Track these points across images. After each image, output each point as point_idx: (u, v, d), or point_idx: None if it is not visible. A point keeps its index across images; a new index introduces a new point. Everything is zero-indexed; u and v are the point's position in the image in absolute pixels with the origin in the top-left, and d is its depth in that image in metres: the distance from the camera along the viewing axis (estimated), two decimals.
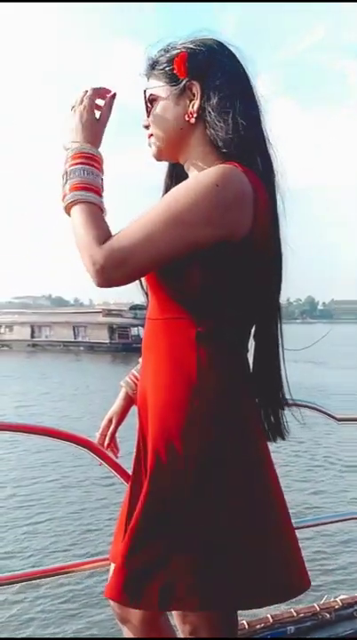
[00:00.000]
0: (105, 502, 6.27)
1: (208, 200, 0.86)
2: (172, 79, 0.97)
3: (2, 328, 37.63)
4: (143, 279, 1.01)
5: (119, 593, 0.89)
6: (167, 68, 0.97)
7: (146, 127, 1.03)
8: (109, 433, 1.19)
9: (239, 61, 0.98)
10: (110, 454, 1.21)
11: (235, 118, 0.93)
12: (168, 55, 0.98)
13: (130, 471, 1.13)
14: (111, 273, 0.88)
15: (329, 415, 1.11)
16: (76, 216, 0.92)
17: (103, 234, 0.90)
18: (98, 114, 1.00)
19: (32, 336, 36.58)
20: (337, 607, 1.72)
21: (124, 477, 1.21)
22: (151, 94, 1.00)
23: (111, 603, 1.06)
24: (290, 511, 1.00)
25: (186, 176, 1.02)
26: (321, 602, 1.74)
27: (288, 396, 1.04)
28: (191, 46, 0.97)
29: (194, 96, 0.95)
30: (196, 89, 0.95)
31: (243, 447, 0.93)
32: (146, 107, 1.02)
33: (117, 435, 1.21)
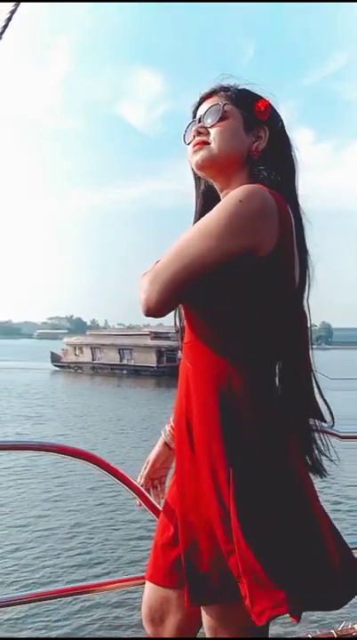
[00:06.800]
0: None
1: (231, 213, 0.93)
2: (247, 111, 1.06)
3: (76, 350, 37.69)
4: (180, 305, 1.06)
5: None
6: (243, 100, 1.06)
7: (199, 133, 1.06)
8: (144, 473, 1.26)
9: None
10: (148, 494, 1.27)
11: (287, 166, 1.07)
12: (244, 91, 1.08)
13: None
14: (148, 292, 0.94)
15: (331, 433, 1.17)
16: None
17: None
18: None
19: (93, 358, 36.39)
20: (354, 634, 1.77)
21: (150, 507, 1.30)
22: (226, 110, 1.05)
23: (144, 621, 1.13)
24: None
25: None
26: (339, 628, 1.81)
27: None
28: (266, 96, 1.08)
29: (260, 138, 1.06)
30: (265, 134, 1.06)
31: (282, 472, 0.95)
32: (204, 115, 1.07)
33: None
